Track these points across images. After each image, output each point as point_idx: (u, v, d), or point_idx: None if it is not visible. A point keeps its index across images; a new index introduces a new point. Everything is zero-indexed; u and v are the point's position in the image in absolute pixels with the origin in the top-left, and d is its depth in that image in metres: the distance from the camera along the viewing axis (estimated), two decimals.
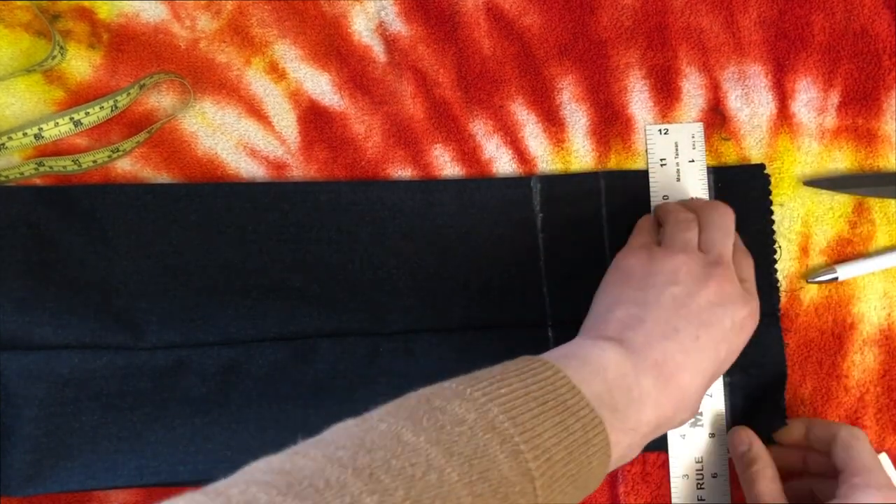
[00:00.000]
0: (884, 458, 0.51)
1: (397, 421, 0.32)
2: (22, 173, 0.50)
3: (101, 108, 0.50)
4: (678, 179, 0.52)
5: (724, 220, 0.46)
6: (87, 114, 0.50)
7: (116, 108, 0.50)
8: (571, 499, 0.35)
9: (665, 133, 0.52)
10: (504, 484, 0.31)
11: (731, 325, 0.42)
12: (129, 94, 0.50)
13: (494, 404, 0.34)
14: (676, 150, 0.52)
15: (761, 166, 0.52)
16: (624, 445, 0.37)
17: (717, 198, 0.52)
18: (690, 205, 0.48)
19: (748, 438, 0.48)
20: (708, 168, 0.52)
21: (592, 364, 0.38)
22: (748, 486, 0.47)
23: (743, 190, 0.52)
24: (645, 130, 0.52)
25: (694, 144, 0.52)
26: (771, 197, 0.52)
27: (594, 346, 0.39)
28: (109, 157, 0.50)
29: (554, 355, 0.39)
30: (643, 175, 0.52)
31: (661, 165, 0.52)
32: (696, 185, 0.51)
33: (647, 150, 0.52)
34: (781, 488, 0.46)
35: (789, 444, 0.49)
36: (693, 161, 0.52)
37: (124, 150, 0.50)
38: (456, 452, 0.31)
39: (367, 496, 0.28)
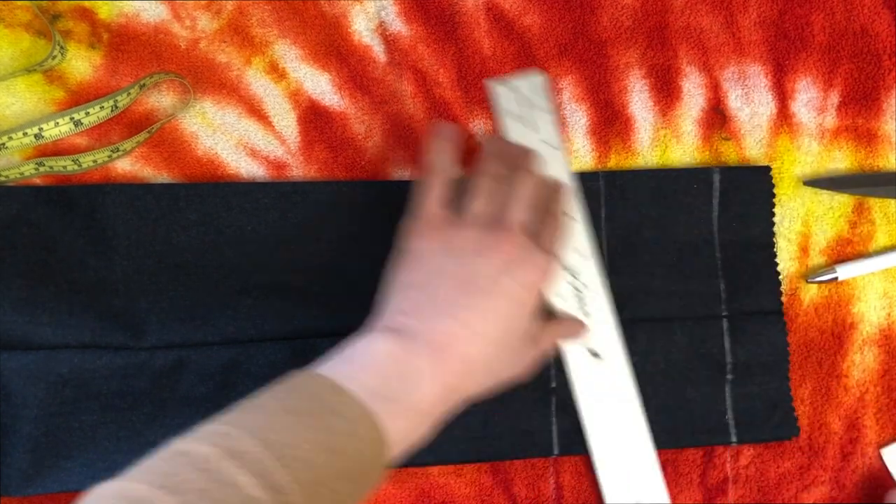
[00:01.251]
0: (891, 450, 0.52)
1: (130, 478, 0.33)
2: (22, 173, 0.50)
3: (101, 107, 0.50)
4: (535, 130, 0.51)
5: (522, 188, 0.45)
6: (88, 114, 0.50)
7: (116, 108, 0.50)
8: (349, 490, 0.36)
9: (509, 88, 0.51)
10: (251, 503, 0.32)
11: (518, 288, 0.42)
12: (129, 94, 0.50)
13: (243, 431, 0.35)
14: (526, 102, 0.51)
15: (766, 168, 0.52)
16: (405, 427, 0.39)
17: (721, 199, 0.52)
18: (507, 159, 0.47)
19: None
20: (714, 168, 0.52)
21: (362, 359, 0.40)
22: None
23: (747, 191, 0.52)
24: (490, 87, 0.51)
25: (538, 95, 0.51)
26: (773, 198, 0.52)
27: (367, 341, 0.40)
28: (109, 156, 0.50)
29: (328, 360, 0.40)
30: (643, 175, 0.52)
31: (513, 121, 0.51)
32: (550, 133, 0.51)
33: (494, 107, 0.51)
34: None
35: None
36: (542, 111, 0.51)
37: (124, 149, 0.50)
38: (184, 490, 0.32)
39: None
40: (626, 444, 0.50)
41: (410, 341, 0.40)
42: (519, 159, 0.47)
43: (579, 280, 0.50)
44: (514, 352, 0.44)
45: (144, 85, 0.51)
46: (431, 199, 0.45)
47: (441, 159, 0.46)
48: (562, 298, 0.50)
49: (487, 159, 0.47)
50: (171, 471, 0.33)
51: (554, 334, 0.48)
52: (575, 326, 0.50)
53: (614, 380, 0.50)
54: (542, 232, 0.45)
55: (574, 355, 0.50)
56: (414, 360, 0.40)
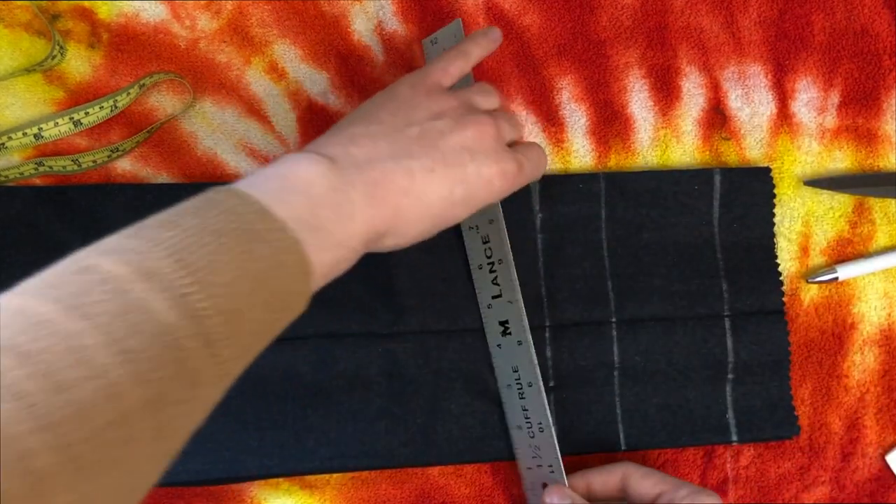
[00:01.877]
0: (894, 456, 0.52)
1: (34, 293, 0.30)
2: (22, 173, 0.50)
3: (101, 107, 0.50)
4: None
5: (509, 113, 0.46)
6: (87, 113, 0.50)
7: (116, 107, 0.50)
8: (270, 321, 0.34)
9: (435, 42, 0.51)
10: (166, 331, 0.29)
11: (475, 174, 0.41)
12: (128, 93, 0.50)
13: (159, 248, 0.31)
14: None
15: (767, 169, 0.52)
16: (330, 261, 0.36)
17: (721, 200, 0.52)
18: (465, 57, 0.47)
19: (564, 497, 0.47)
20: (714, 169, 0.52)
21: (294, 182, 0.36)
22: None
23: (748, 191, 0.52)
24: (423, 45, 0.51)
25: (458, 39, 0.50)
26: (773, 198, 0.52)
27: (302, 163, 0.37)
28: (109, 156, 0.50)
29: (257, 177, 0.37)
30: (644, 176, 0.52)
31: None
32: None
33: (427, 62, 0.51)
34: None
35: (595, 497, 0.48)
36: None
37: (124, 149, 0.50)
38: (94, 314, 0.29)
39: None
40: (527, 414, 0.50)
41: (348, 171, 0.38)
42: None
43: (494, 254, 0.50)
44: (454, 218, 0.42)
45: (144, 85, 0.51)
46: (440, 67, 0.45)
47: (472, 47, 0.46)
48: (479, 270, 0.50)
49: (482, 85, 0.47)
50: (78, 290, 0.30)
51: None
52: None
53: (520, 354, 0.50)
54: (521, 150, 0.44)
55: (490, 326, 0.50)
56: (349, 192, 0.37)
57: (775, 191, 0.52)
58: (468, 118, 0.42)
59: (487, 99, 0.45)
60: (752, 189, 0.52)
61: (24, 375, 0.26)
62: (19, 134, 0.50)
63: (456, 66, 0.45)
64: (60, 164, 0.50)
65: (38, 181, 0.51)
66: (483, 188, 0.42)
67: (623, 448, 0.50)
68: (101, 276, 0.30)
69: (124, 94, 0.50)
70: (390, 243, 0.40)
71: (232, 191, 0.35)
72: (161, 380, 0.29)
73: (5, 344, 0.27)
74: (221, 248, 0.32)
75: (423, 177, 0.40)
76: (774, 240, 0.52)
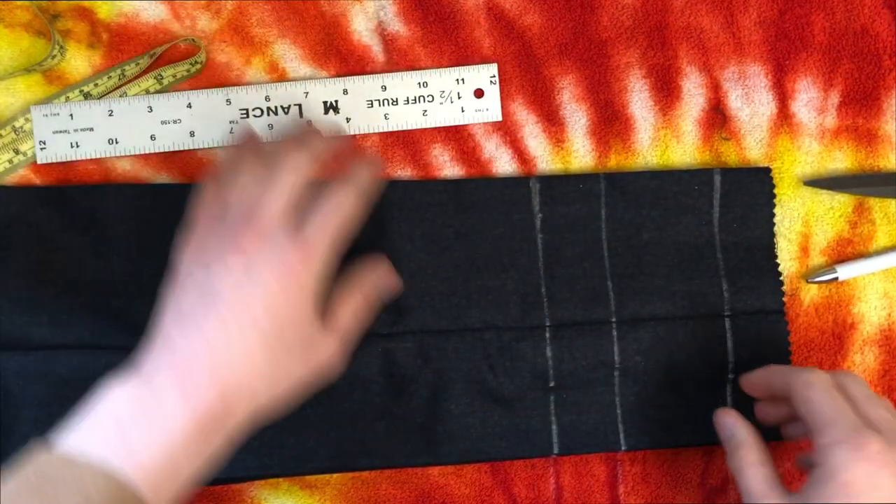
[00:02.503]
0: None
1: None
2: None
3: (109, 77, 0.50)
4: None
5: (280, 170, 0.41)
6: (96, 85, 0.50)
7: (124, 76, 0.51)
8: None
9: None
10: None
11: (262, 288, 0.38)
12: (137, 63, 0.50)
13: None
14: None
15: (767, 169, 0.52)
16: (164, 469, 0.36)
17: (722, 200, 0.52)
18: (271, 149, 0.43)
19: (731, 422, 0.46)
20: (715, 169, 0.52)
21: (101, 412, 0.37)
22: (736, 476, 0.44)
23: (748, 192, 0.52)
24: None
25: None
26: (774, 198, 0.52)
27: (109, 388, 0.37)
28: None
29: (75, 416, 0.37)
30: (644, 176, 0.52)
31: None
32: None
33: None
34: (768, 471, 0.43)
35: (761, 397, 0.47)
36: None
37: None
38: None
39: None
40: None
41: (153, 374, 0.37)
42: (284, 145, 0.42)
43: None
44: (292, 349, 0.39)
45: (155, 54, 0.51)
46: (198, 205, 0.42)
47: (229, 168, 0.43)
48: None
49: (242, 155, 0.43)
50: None
51: (348, 309, 0.43)
52: (376, 281, 0.44)
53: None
54: (310, 211, 0.41)
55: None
56: (159, 395, 0.37)
57: (775, 191, 0.52)
58: (229, 244, 0.39)
59: (244, 178, 0.41)
60: (753, 189, 0.52)
61: None
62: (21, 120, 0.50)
63: (213, 194, 0.42)
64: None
65: (38, 181, 0.51)
66: (280, 287, 0.39)
67: (623, 448, 0.50)
68: None
69: (133, 64, 0.50)
70: (252, 403, 0.39)
71: (42, 448, 0.36)
72: None
73: None
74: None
75: (220, 328, 0.38)
76: (775, 240, 0.52)
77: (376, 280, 0.45)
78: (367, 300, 0.44)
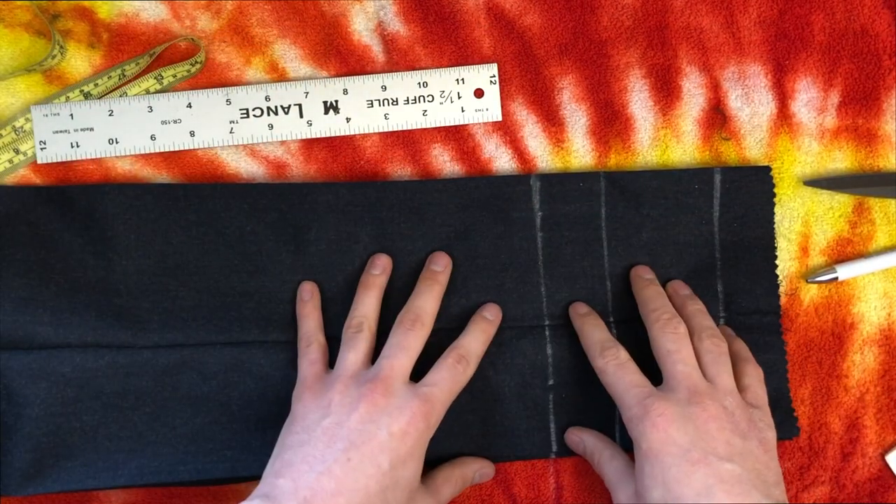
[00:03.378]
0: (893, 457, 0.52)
1: None
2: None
3: (109, 77, 0.50)
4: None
5: (401, 336, 0.47)
6: (96, 85, 0.50)
7: (124, 76, 0.51)
8: None
9: None
10: None
11: (388, 436, 0.43)
12: (137, 63, 0.50)
13: None
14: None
15: (767, 168, 0.52)
16: None
17: (722, 199, 0.52)
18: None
19: (578, 436, 0.50)
20: (715, 168, 0.52)
21: None
22: (583, 336, 0.49)
23: (748, 191, 0.52)
24: None
25: None
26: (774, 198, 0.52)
27: None
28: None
29: None
30: (644, 175, 0.52)
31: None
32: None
33: None
34: (623, 463, 0.47)
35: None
36: None
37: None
38: None
39: None
40: None
41: (280, 499, 0.41)
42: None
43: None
44: (400, 494, 0.43)
45: (154, 53, 0.51)
46: (305, 364, 0.48)
47: (306, 325, 0.49)
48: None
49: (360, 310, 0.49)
50: None
51: (449, 486, 0.48)
52: (482, 469, 0.50)
53: None
54: (426, 379, 0.46)
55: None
56: None
57: (775, 190, 0.52)
58: (357, 394, 0.45)
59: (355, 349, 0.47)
60: (753, 188, 0.52)
61: None
62: (21, 120, 0.50)
63: (316, 352, 0.48)
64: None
65: (38, 181, 0.51)
66: (402, 441, 0.43)
67: (621, 447, 0.51)
68: None
69: (133, 64, 0.50)
70: None
71: None
72: None
73: None
74: None
75: (345, 469, 0.42)
76: (774, 239, 0.52)
77: (478, 470, 0.50)
78: (465, 485, 0.49)
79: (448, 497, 0.47)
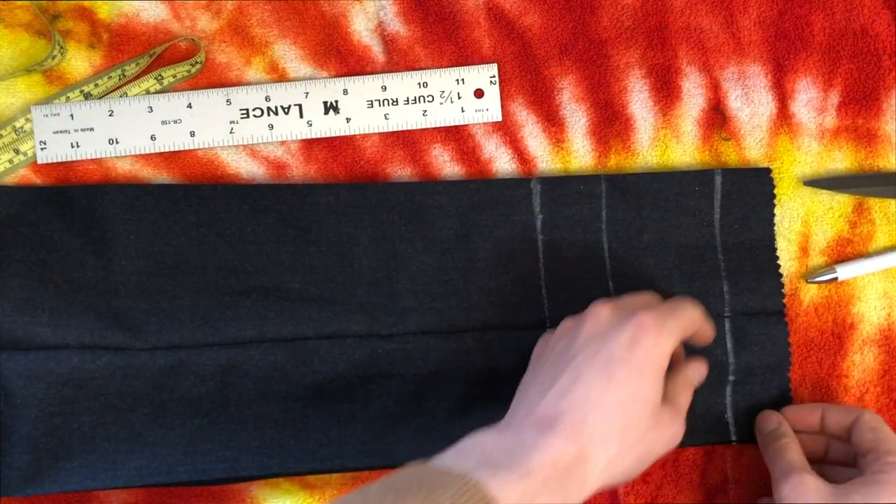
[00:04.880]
0: None
1: None
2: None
3: (109, 77, 0.50)
4: None
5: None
6: (96, 85, 0.50)
7: (124, 76, 0.51)
8: None
9: None
10: None
11: (615, 347, 0.42)
12: (137, 63, 0.50)
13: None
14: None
15: (767, 170, 0.52)
16: (519, 493, 0.38)
17: (722, 201, 0.52)
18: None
19: (778, 418, 0.49)
20: (716, 170, 0.52)
21: (465, 445, 0.40)
22: (775, 457, 0.47)
23: (749, 192, 0.52)
24: None
25: None
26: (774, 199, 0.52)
27: (474, 434, 0.41)
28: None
29: (454, 454, 0.40)
30: (645, 177, 0.52)
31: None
32: None
33: None
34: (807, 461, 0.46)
35: (803, 429, 0.50)
36: None
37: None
38: None
39: None
40: None
41: (514, 424, 0.41)
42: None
43: None
44: (645, 419, 0.42)
45: (154, 54, 0.51)
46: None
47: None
48: None
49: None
50: None
51: (684, 397, 0.46)
52: (699, 368, 0.48)
53: None
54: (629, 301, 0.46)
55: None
56: (520, 435, 0.40)
57: (775, 191, 0.52)
58: (614, 321, 0.43)
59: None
60: (753, 190, 0.52)
61: None
62: (21, 120, 0.50)
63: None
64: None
65: (38, 181, 0.51)
66: (630, 351, 0.42)
67: None
68: None
69: (133, 64, 0.50)
70: (603, 463, 0.41)
71: (414, 464, 0.40)
72: None
73: None
74: (402, 500, 0.37)
75: (593, 388, 0.41)
76: (775, 240, 0.52)
77: (695, 370, 0.48)
78: (692, 388, 0.47)
79: (685, 405, 0.46)
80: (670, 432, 0.43)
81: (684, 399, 0.46)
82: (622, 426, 0.41)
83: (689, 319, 0.44)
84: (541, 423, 0.40)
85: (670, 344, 0.43)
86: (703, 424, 0.51)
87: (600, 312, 0.44)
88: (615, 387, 0.41)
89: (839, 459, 0.48)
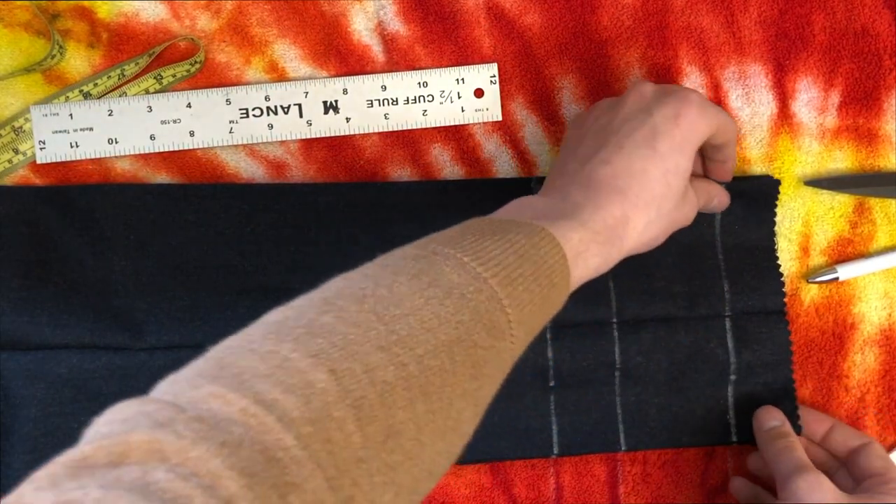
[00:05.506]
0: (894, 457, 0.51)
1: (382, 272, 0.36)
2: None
3: (108, 76, 0.50)
4: None
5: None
6: (96, 85, 0.50)
7: (124, 75, 0.50)
8: (539, 294, 0.38)
9: None
10: (455, 286, 0.35)
11: (660, 120, 0.43)
12: (137, 63, 0.50)
13: (433, 242, 0.38)
14: None
15: (776, 182, 0.51)
16: (578, 240, 0.40)
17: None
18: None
19: (780, 416, 0.49)
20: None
21: (517, 206, 0.42)
22: (780, 454, 0.47)
23: (750, 194, 0.51)
24: None
25: None
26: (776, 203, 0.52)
27: (516, 201, 0.42)
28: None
29: (506, 211, 0.42)
30: None
31: None
32: None
33: None
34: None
35: (805, 435, 0.50)
36: None
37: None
38: (402, 272, 0.35)
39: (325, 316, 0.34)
40: None
41: (563, 186, 0.42)
42: None
43: None
44: (676, 189, 0.43)
45: (154, 53, 0.51)
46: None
47: None
48: None
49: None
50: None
51: (702, 191, 0.48)
52: (722, 195, 0.50)
53: None
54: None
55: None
56: (568, 198, 0.41)
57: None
58: (623, 95, 0.45)
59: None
60: (755, 192, 0.52)
61: (366, 309, 0.33)
62: (21, 120, 0.50)
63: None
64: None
65: (38, 181, 0.51)
66: (674, 124, 0.43)
67: (623, 448, 0.50)
68: (404, 251, 0.38)
69: (132, 64, 0.50)
70: (642, 220, 0.42)
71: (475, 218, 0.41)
72: (461, 322, 0.34)
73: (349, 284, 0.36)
74: (483, 237, 0.38)
75: (618, 154, 0.42)
76: (775, 241, 0.52)
77: (717, 196, 0.50)
78: (707, 203, 0.49)
79: (701, 199, 0.47)
80: (689, 209, 0.45)
81: (702, 194, 0.47)
82: (661, 195, 0.42)
83: (726, 117, 0.45)
84: (587, 187, 0.41)
85: (708, 125, 0.44)
86: (703, 424, 0.51)
87: (644, 89, 0.44)
88: (658, 158, 0.42)
89: (828, 474, 0.48)
